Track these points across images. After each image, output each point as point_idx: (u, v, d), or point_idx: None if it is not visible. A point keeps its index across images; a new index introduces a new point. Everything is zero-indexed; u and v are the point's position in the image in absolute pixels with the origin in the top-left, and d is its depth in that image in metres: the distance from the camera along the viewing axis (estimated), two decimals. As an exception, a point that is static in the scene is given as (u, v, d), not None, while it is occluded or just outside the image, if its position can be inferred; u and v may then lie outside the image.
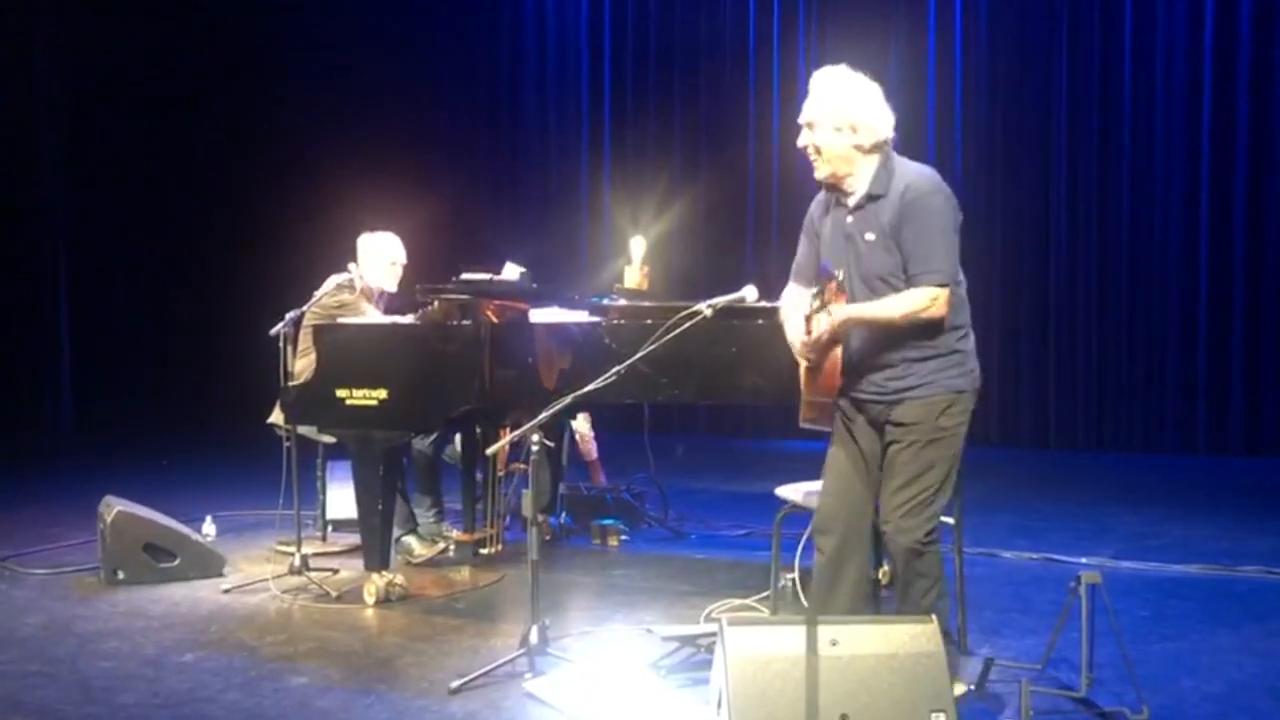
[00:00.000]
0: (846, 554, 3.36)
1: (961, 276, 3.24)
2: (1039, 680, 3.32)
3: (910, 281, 3.16)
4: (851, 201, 3.25)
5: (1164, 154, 8.40)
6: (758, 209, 9.55)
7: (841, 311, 3.16)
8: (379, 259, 5.22)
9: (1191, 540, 5.45)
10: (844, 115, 3.18)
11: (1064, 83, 8.56)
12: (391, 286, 5.26)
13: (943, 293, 3.14)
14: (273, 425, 5.07)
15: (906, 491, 3.20)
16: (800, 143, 3.28)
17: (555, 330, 4.67)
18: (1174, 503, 6.50)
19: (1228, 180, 8.21)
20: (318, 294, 5.11)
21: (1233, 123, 8.17)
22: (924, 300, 3.13)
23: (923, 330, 3.18)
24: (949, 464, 3.23)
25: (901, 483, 3.22)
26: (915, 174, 3.22)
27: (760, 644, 2.88)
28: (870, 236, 3.21)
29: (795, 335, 3.32)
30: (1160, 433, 8.45)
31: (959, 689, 3.23)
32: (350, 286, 5.06)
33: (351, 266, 5.14)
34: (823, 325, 3.15)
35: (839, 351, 3.22)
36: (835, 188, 3.29)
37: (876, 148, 3.21)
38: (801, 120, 3.26)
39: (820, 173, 3.27)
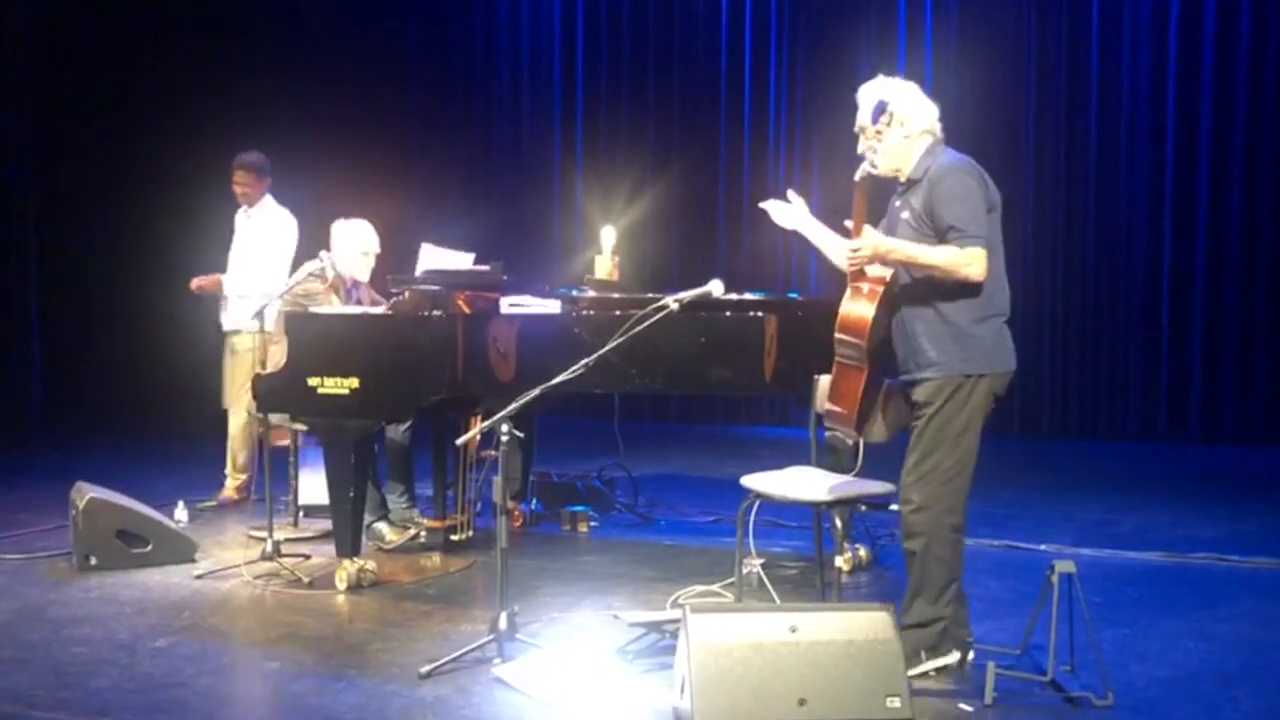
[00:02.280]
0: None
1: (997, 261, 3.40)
2: (1015, 665, 3.41)
3: (946, 243, 3.34)
4: (901, 185, 3.50)
5: (1129, 154, 8.53)
6: (728, 200, 9.61)
7: (889, 241, 3.35)
8: (351, 248, 5.25)
9: (1148, 527, 5.58)
10: (866, 116, 3.48)
11: (1031, 82, 8.67)
12: (363, 276, 5.29)
13: (981, 254, 3.30)
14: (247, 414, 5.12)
15: (916, 471, 3.40)
16: (859, 149, 3.54)
17: (521, 321, 4.73)
18: (1134, 490, 6.63)
19: (1191, 177, 8.34)
20: (290, 281, 5.15)
21: (1194, 125, 8.31)
22: (964, 257, 3.29)
23: (945, 307, 3.36)
24: (959, 446, 3.37)
25: (913, 462, 3.41)
26: (946, 159, 3.44)
27: (722, 630, 2.97)
28: (905, 216, 3.46)
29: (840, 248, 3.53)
30: (1123, 420, 8.60)
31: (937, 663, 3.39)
32: (322, 275, 5.10)
33: (324, 254, 5.17)
34: (867, 238, 3.34)
35: (863, 378, 3.39)
36: (897, 179, 3.53)
37: (922, 136, 3.45)
38: (855, 129, 3.54)
39: (882, 170, 3.51)
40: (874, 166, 3.43)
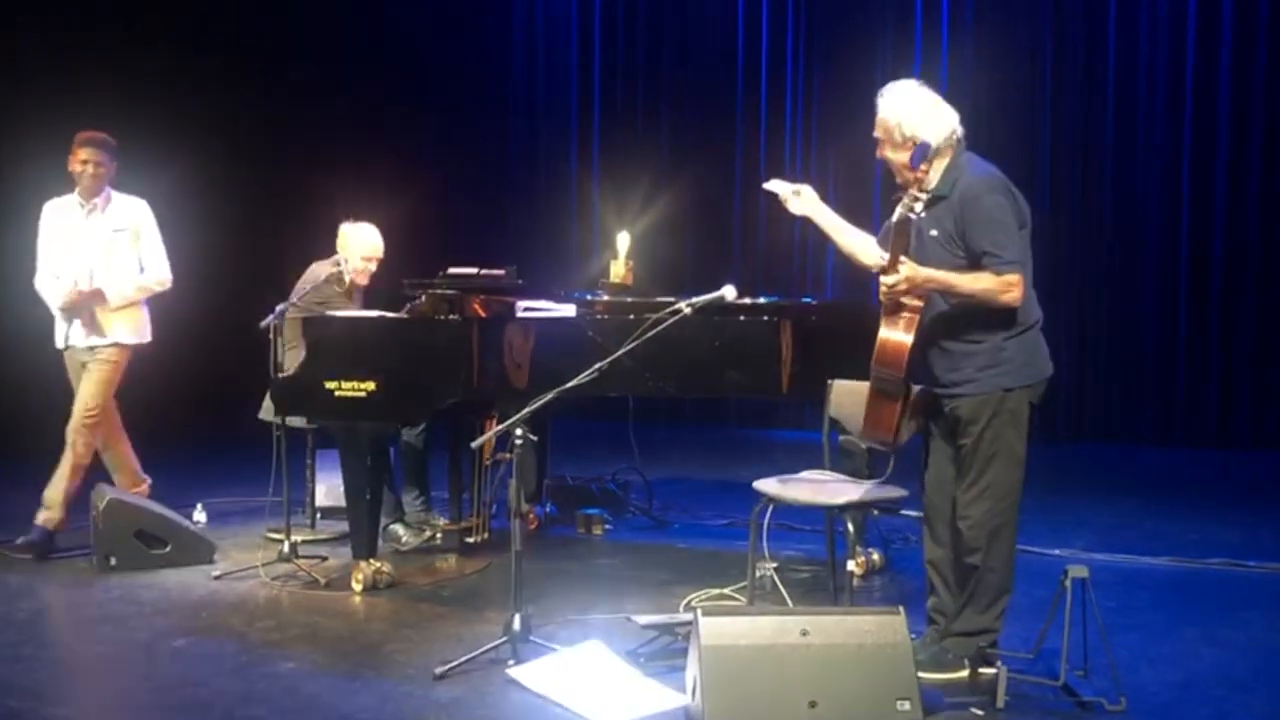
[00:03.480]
0: (941, 541, 3.59)
1: (1028, 274, 3.40)
2: (1028, 669, 3.41)
3: (980, 266, 3.33)
4: (923, 198, 3.42)
5: (1144, 156, 8.51)
6: (743, 205, 9.63)
7: (925, 271, 3.31)
8: (355, 253, 5.31)
9: (1162, 532, 5.58)
10: (900, 131, 3.42)
11: (1047, 84, 8.66)
12: (362, 281, 5.34)
13: (1017, 280, 3.31)
14: (263, 420, 5.16)
15: (975, 489, 3.42)
16: (880, 155, 3.53)
17: (536, 324, 4.76)
18: (1149, 495, 6.62)
19: (1208, 180, 8.31)
20: (303, 284, 5.20)
21: (1212, 128, 8.29)
22: (1000, 284, 3.29)
23: (977, 324, 3.37)
24: (1011, 460, 3.43)
25: (969, 480, 3.44)
26: (974, 174, 3.41)
27: (733, 633, 2.99)
28: (934, 233, 3.42)
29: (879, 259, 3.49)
30: (1138, 424, 8.58)
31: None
32: (339, 279, 5.16)
33: (342, 259, 5.23)
34: (903, 272, 3.28)
35: (899, 405, 3.40)
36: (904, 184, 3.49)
37: (945, 150, 3.42)
38: (876, 134, 3.51)
39: (898, 180, 3.50)
40: (914, 214, 3.32)
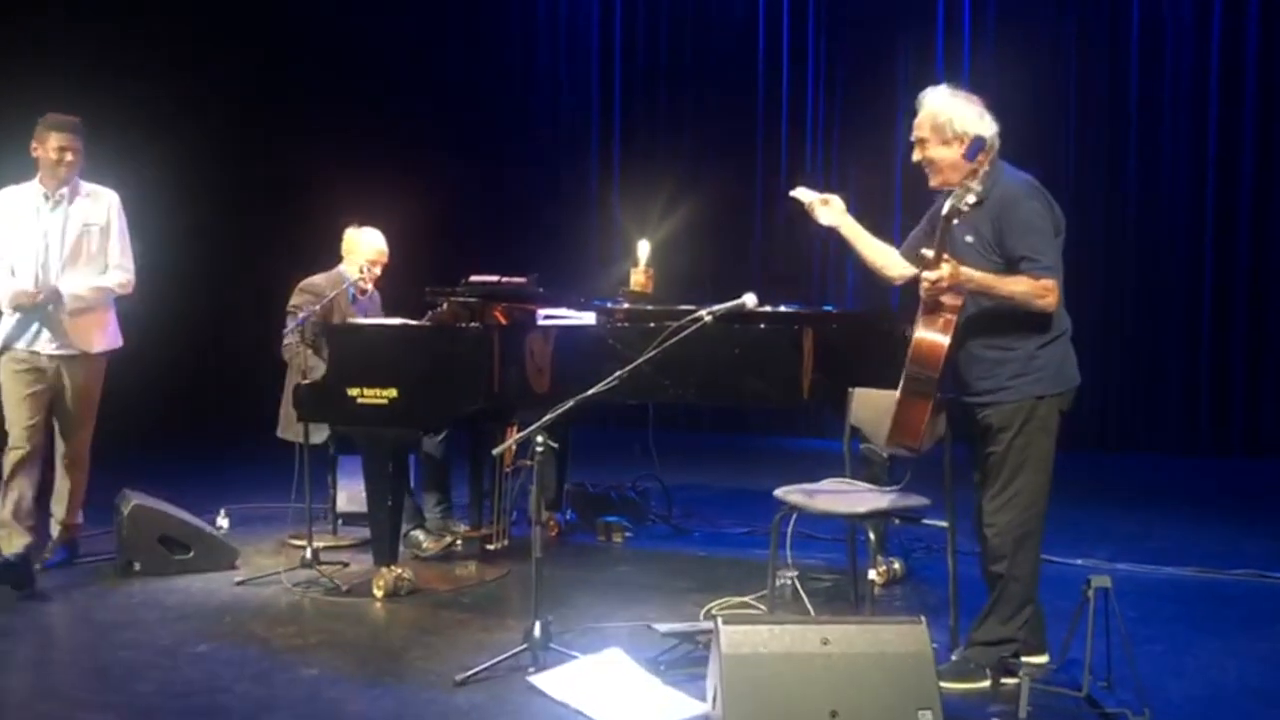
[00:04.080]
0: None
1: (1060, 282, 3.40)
2: (1050, 680, 3.40)
3: (1018, 272, 3.34)
4: (964, 203, 3.40)
5: (1170, 163, 8.47)
6: (764, 213, 9.63)
7: (967, 270, 3.30)
8: (361, 256, 5.38)
9: (1187, 543, 5.53)
10: (950, 127, 3.43)
11: (1071, 92, 8.63)
12: (367, 285, 5.38)
13: (1054, 285, 3.32)
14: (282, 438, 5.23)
15: (1002, 496, 3.43)
16: (915, 158, 3.53)
17: (556, 332, 4.78)
18: (1172, 505, 6.57)
19: (1233, 186, 8.27)
20: (332, 292, 5.25)
21: (1238, 135, 8.24)
22: (1039, 289, 3.31)
23: (1011, 331, 3.38)
24: (1039, 468, 3.43)
25: (997, 488, 3.44)
26: (1012, 181, 3.43)
27: (753, 642, 2.99)
28: (969, 239, 3.43)
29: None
30: (1162, 433, 8.52)
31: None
32: (360, 288, 5.22)
33: (365, 266, 5.27)
34: (945, 269, 3.27)
35: (929, 408, 3.38)
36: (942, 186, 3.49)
37: (976, 151, 3.42)
38: (912, 138, 3.52)
39: (934, 181, 3.51)
40: (966, 206, 3.31)
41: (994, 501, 3.46)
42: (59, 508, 4.92)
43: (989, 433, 3.46)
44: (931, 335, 3.36)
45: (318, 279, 5.39)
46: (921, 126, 3.51)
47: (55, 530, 4.93)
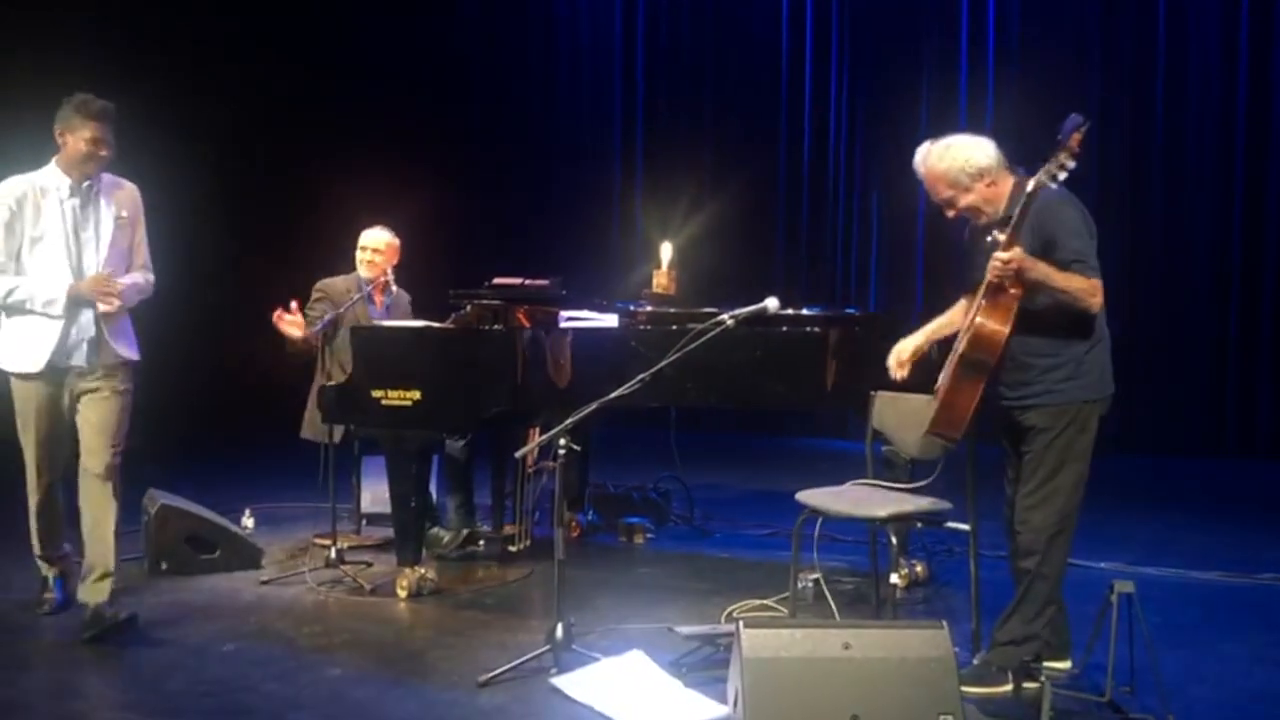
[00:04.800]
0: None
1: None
2: (1073, 685, 3.41)
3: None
4: (1070, 167, 3.38)
5: (1196, 165, 8.42)
6: (787, 216, 9.62)
7: (1030, 259, 3.28)
8: (358, 245, 5.44)
9: (1211, 547, 5.50)
10: (964, 174, 3.48)
11: (1095, 95, 8.58)
12: (365, 273, 5.41)
13: (1101, 286, 3.35)
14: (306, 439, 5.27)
15: (1038, 494, 3.45)
16: (953, 215, 3.57)
17: (579, 335, 4.80)
18: (1197, 508, 6.53)
19: (1260, 186, 8.23)
20: (341, 291, 5.31)
21: (1266, 137, 8.18)
22: (1090, 287, 3.34)
23: (1059, 336, 3.41)
24: (1077, 470, 3.46)
25: (1034, 485, 3.46)
26: (1045, 192, 3.37)
27: (775, 645, 3.00)
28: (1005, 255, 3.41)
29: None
30: (1187, 435, 8.46)
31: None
32: (382, 286, 5.27)
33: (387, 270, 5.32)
34: (1017, 252, 3.25)
35: (979, 391, 3.39)
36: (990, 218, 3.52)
37: (1000, 174, 3.48)
38: (938, 201, 3.57)
39: (982, 221, 3.52)
40: (1055, 183, 3.24)
41: (1029, 499, 3.48)
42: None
43: (1029, 433, 3.48)
44: (993, 323, 3.36)
45: (333, 280, 5.44)
46: (938, 190, 3.54)
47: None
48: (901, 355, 3.87)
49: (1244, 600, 4.61)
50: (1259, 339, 8.27)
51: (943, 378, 3.55)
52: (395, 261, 5.46)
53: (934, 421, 3.52)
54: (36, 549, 4.31)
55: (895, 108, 8.99)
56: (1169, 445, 8.45)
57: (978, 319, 3.38)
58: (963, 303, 3.78)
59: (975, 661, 3.58)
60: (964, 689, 3.10)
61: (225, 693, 3.51)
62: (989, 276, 3.32)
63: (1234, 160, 8.30)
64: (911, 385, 3.94)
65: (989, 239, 3.36)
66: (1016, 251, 3.26)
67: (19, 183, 4.05)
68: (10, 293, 3.99)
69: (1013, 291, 3.34)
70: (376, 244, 5.43)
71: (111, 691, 3.52)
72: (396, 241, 5.48)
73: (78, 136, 4.00)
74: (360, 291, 5.26)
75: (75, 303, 4.02)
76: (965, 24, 8.96)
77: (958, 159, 3.48)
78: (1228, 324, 8.35)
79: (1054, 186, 3.26)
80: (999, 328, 3.35)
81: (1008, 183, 3.49)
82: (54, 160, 4.08)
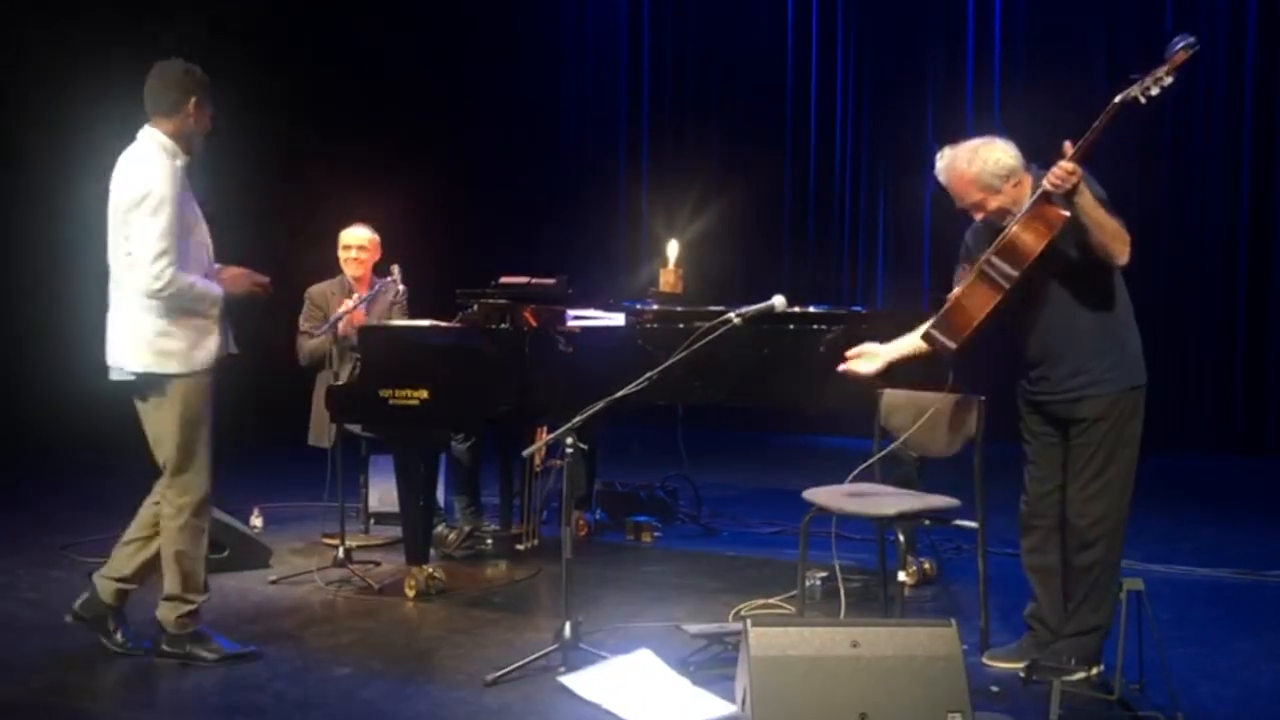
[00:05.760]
0: (1050, 546, 3.62)
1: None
2: (1083, 682, 3.38)
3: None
4: (1168, 83, 3.35)
5: (1203, 164, 8.39)
6: (793, 213, 9.61)
7: (1077, 166, 3.21)
8: (340, 250, 5.47)
9: (1222, 544, 5.48)
10: (994, 177, 3.45)
11: (1103, 90, 8.52)
12: (349, 271, 5.44)
13: (1128, 240, 3.32)
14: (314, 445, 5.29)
15: (1095, 484, 3.46)
16: (983, 218, 3.54)
17: (589, 334, 4.79)
18: (1206, 505, 6.51)
19: (1268, 176, 8.20)
20: (370, 293, 5.32)
21: (1273, 133, 8.15)
22: (1123, 231, 3.32)
23: (1101, 318, 3.44)
24: (1128, 456, 3.49)
25: (1090, 475, 3.47)
26: None
27: (782, 644, 2.99)
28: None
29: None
30: (1196, 431, 8.43)
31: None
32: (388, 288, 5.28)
33: (394, 269, 5.31)
34: (1073, 166, 3.21)
35: (994, 301, 3.37)
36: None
37: (1016, 172, 3.46)
38: (966, 206, 3.54)
39: (1007, 221, 3.47)
40: (1145, 97, 3.17)
41: (1087, 490, 3.48)
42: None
43: (1080, 424, 3.48)
44: (1029, 235, 3.32)
45: (320, 287, 5.50)
46: (968, 194, 3.51)
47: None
48: (863, 353, 3.83)
49: (1254, 598, 4.60)
50: (1267, 336, 8.23)
51: (957, 289, 3.53)
52: (379, 258, 5.49)
53: (936, 322, 3.53)
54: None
55: (901, 104, 8.98)
56: (1177, 442, 8.41)
57: (1014, 229, 3.34)
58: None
59: (1021, 647, 3.63)
60: (1038, 678, 3.23)
61: (233, 691, 3.52)
62: (1046, 184, 3.23)
63: (1242, 156, 8.26)
64: (921, 382, 3.93)
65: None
66: (1076, 165, 3.20)
67: (163, 164, 3.64)
68: (191, 288, 3.67)
69: (1060, 212, 3.29)
70: (360, 241, 5.46)
71: (121, 691, 3.53)
72: (377, 238, 5.51)
73: (203, 114, 3.73)
74: (353, 297, 5.29)
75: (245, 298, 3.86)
76: (971, 20, 8.93)
77: (987, 162, 3.46)
78: (1236, 321, 8.31)
79: (1143, 102, 3.15)
80: (1034, 242, 3.31)
81: (1027, 182, 3.47)
82: (164, 133, 3.68)
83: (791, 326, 4.63)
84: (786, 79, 9.63)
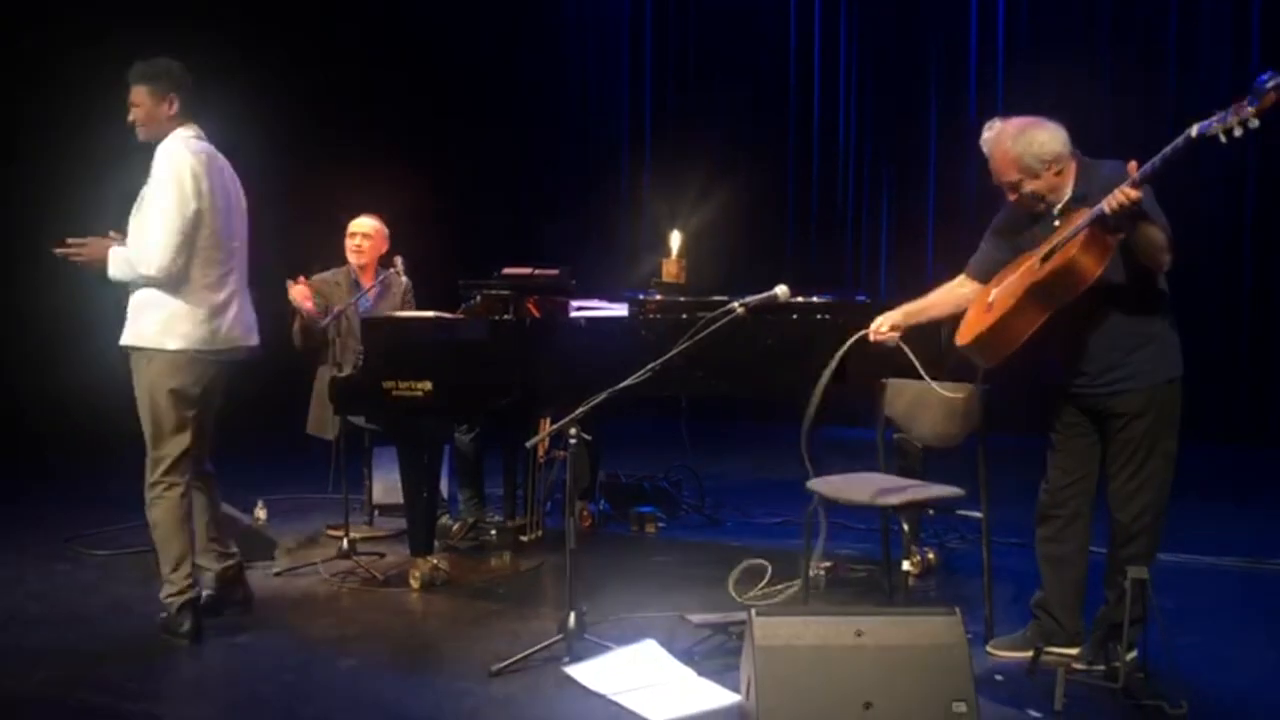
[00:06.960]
0: (1066, 536, 3.63)
1: None
2: (1088, 670, 3.40)
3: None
4: (1058, 209, 3.41)
5: (1207, 158, 8.32)
6: (796, 203, 9.60)
7: (1141, 193, 3.15)
8: (347, 238, 5.48)
9: (1226, 533, 5.47)
10: (1038, 160, 3.40)
11: (1107, 89, 8.52)
12: (354, 260, 5.46)
13: (1173, 247, 3.28)
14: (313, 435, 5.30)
15: (1138, 478, 3.46)
16: (1015, 199, 3.49)
17: (592, 325, 4.79)
18: (1212, 494, 6.48)
19: (1272, 172, 8.16)
20: (375, 286, 5.32)
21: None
22: (1168, 243, 3.27)
23: (1141, 319, 3.42)
24: (1168, 447, 3.50)
25: (1132, 470, 3.46)
26: (1110, 166, 3.39)
27: (787, 634, 2.99)
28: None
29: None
30: (1202, 422, 8.38)
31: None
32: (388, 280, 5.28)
33: (398, 260, 5.31)
34: (1137, 194, 3.14)
35: (1040, 320, 3.34)
36: (1050, 206, 3.46)
37: (1062, 158, 3.42)
38: (1002, 183, 3.48)
39: (1041, 208, 3.47)
40: (1227, 137, 2.96)
41: (1130, 484, 3.48)
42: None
43: (1120, 418, 3.47)
44: (1089, 260, 3.25)
45: (323, 276, 5.49)
46: (1006, 173, 3.45)
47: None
48: (882, 326, 3.78)
49: (1259, 587, 4.59)
50: (1272, 326, 8.21)
51: (996, 295, 3.48)
52: (385, 249, 5.48)
53: (979, 340, 3.46)
54: None
55: (905, 93, 8.95)
56: (1183, 432, 8.39)
57: (1073, 253, 3.27)
58: (961, 285, 3.73)
59: (1026, 635, 3.65)
60: (1076, 666, 3.28)
61: (239, 683, 3.53)
62: (1105, 207, 3.16)
63: (1246, 153, 8.22)
64: (925, 372, 3.92)
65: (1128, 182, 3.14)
66: (1141, 194, 3.14)
67: (202, 145, 3.96)
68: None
69: (1113, 240, 3.25)
70: (365, 229, 5.46)
71: (127, 682, 3.53)
72: (384, 228, 5.51)
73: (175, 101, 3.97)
74: (356, 289, 5.30)
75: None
76: (974, 17, 8.89)
77: (1033, 144, 3.40)
78: (1241, 312, 8.29)
79: (1223, 140, 2.93)
80: (1093, 267, 3.27)
81: (1071, 170, 3.44)
82: (182, 122, 3.96)
83: (795, 316, 4.62)
84: (789, 68, 9.61)
